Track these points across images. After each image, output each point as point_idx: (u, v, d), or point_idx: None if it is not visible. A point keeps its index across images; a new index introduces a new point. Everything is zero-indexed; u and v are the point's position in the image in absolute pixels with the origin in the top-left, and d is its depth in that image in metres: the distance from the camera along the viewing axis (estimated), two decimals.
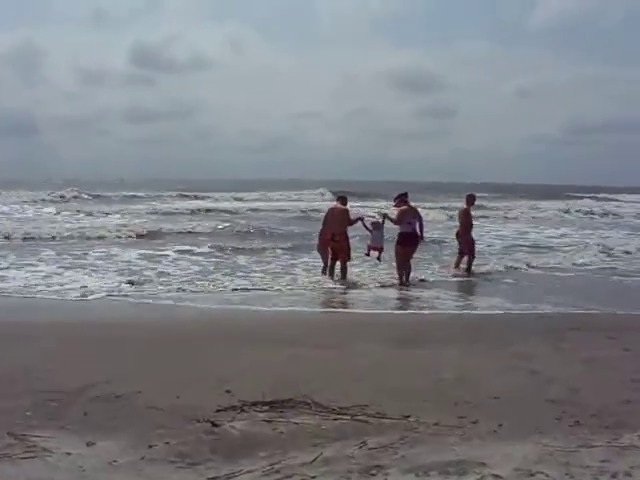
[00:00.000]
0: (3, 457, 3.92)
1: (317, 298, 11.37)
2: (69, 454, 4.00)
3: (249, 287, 11.83)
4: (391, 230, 13.62)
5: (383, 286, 12.39)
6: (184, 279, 12.52)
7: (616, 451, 4.07)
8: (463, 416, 4.80)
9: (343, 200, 13.43)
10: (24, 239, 18.91)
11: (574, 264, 16.13)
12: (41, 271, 13.08)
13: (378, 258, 13.19)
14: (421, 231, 13.17)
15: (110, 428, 4.53)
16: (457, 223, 15.25)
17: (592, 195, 61.20)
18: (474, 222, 15.02)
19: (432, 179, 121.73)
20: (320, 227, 13.71)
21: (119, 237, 20.06)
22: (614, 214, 38.70)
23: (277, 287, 11.84)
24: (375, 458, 3.98)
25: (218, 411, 4.82)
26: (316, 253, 13.65)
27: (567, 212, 38.23)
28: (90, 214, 28.97)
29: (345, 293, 11.74)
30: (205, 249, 17.00)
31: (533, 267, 15.34)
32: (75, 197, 40.04)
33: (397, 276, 12.78)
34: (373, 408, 4.93)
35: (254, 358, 6.54)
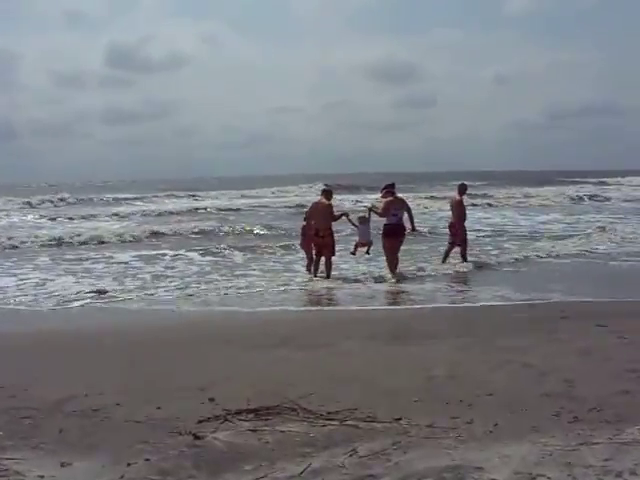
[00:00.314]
0: None
1: (303, 296, 11.14)
2: (42, 477, 3.76)
3: (241, 287, 11.53)
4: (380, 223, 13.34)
5: (371, 281, 12.18)
6: (178, 282, 12.22)
7: (619, 447, 3.89)
8: (457, 416, 4.61)
9: (327, 194, 13.05)
10: (14, 246, 18.24)
11: (588, 251, 15.93)
12: (30, 278, 12.76)
13: (367, 252, 12.97)
14: (412, 222, 12.95)
15: (87, 446, 4.29)
16: (449, 213, 15.04)
17: (584, 180, 61.06)
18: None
19: (412, 169, 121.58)
20: (302, 223, 13.54)
21: (118, 241, 19.47)
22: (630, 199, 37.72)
23: (262, 286, 11.56)
24: (367, 467, 3.77)
25: (200, 422, 4.59)
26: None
27: (580, 199, 37.94)
28: (85, 218, 28.15)
29: (332, 289, 11.51)
30: (200, 250, 16.67)
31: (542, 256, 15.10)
32: (61, 200, 39.04)
33: (388, 270, 12.58)
34: (363, 411, 4.73)
35: (239, 362, 6.32)
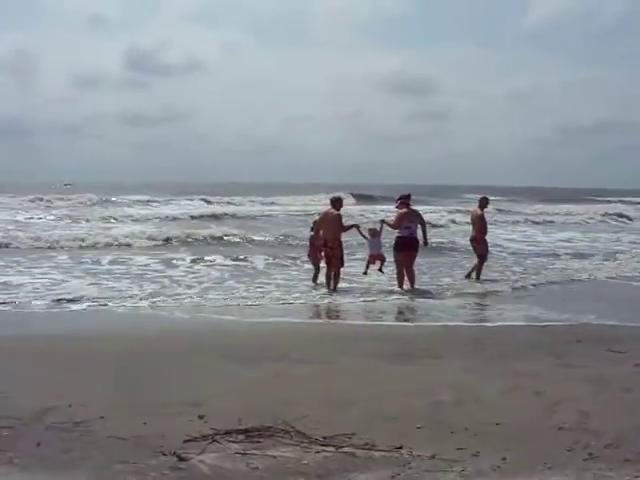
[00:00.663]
0: None
1: (307, 308, 10.83)
2: None
3: (249, 297, 11.25)
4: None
5: (380, 294, 11.82)
6: (192, 289, 11.98)
7: None
8: (462, 447, 4.28)
9: (336, 204, 12.54)
10: (33, 246, 18.04)
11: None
12: (43, 278, 12.66)
13: (380, 269, 12.49)
14: (424, 236, 12.57)
15: (64, 462, 4.00)
16: (469, 227, 14.65)
17: (606, 199, 59.70)
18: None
19: (424, 182, 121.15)
20: (309, 232, 13.23)
21: (139, 244, 19.15)
22: None
23: (273, 297, 11.24)
24: None
25: (187, 441, 4.28)
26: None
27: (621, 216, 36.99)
28: (105, 219, 27.97)
29: (338, 302, 11.18)
30: (220, 256, 16.41)
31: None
32: (82, 202, 38.64)
33: (397, 284, 12.26)
34: (361, 437, 4.41)
35: (232, 376, 6.00)
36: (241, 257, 16.33)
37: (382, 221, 12.80)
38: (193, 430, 4.47)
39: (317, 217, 13.42)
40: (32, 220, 27.45)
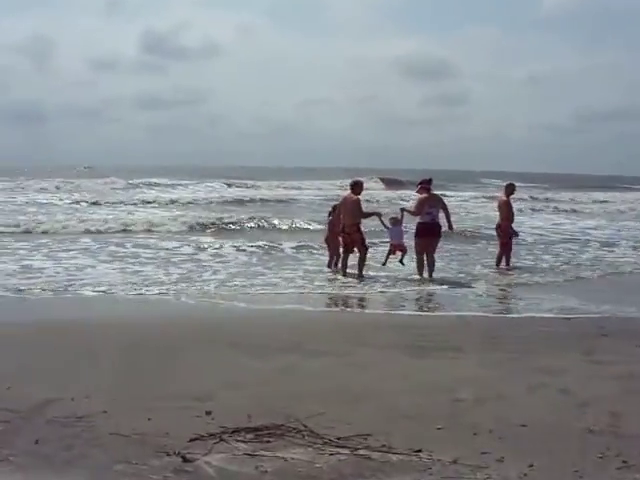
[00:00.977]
0: None
1: (326, 296, 10.57)
2: None
3: (269, 284, 11.07)
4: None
5: (400, 283, 11.54)
6: (218, 276, 11.85)
7: None
8: (486, 451, 3.99)
9: (356, 188, 12.19)
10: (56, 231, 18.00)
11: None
12: (71, 264, 12.67)
13: (401, 261, 12.18)
14: (448, 221, 12.25)
15: (62, 462, 3.77)
16: (494, 214, 14.38)
17: (626, 186, 58.48)
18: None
19: (440, 167, 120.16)
20: (327, 217, 12.97)
21: (167, 229, 19.04)
22: None
23: (289, 285, 11.02)
24: None
25: (193, 440, 4.04)
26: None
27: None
28: (134, 204, 27.57)
29: (356, 290, 10.91)
30: (248, 240, 16.38)
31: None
32: (107, 186, 38.20)
33: (417, 272, 11.97)
34: (378, 438, 4.14)
35: (243, 369, 5.74)
36: (270, 242, 16.15)
37: (402, 209, 12.46)
38: (199, 427, 4.23)
39: (336, 202, 13.28)
40: (60, 204, 27.27)
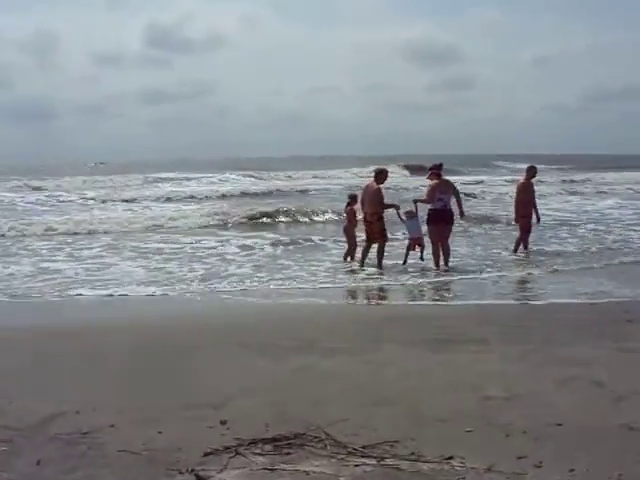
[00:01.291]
0: None
1: (344, 289, 10.31)
2: None
3: (291, 278, 10.87)
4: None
5: (418, 273, 11.28)
6: (242, 269, 11.80)
7: None
8: (522, 456, 3.71)
9: (378, 177, 11.91)
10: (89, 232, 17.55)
11: None
12: (93, 263, 12.65)
13: (421, 258, 11.83)
14: (460, 207, 11.95)
15: None
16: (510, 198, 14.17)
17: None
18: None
19: (448, 151, 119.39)
20: (349, 207, 12.69)
21: (186, 224, 18.59)
22: None
23: (310, 279, 10.76)
24: None
25: (207, 454, 3.77)
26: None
27: None
28: (159, 200, 26.96)
29: (373, 282, 10.64)
30: (276, 233, 16.33)
31: None
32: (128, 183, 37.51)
33: (433, 261, 11.69)
34: (406, 445, 3.86)
35: (257, 371, 5.44)
36: (297, 234, 16.09)
37: (415, 201, 12.12)
38: (214, 440, 3.96)
39: (350, 192, 13.45)
40: (89, 203, 26.50)
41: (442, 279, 10.77)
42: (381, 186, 11.84)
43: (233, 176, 41.53)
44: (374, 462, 3.67)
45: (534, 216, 13.43)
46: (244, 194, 28.65)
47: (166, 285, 10.31)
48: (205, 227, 18.24)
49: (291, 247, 14.51)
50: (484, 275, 10.95)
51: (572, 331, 6.92)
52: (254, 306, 8.95)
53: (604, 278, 10.57)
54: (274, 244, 14.72)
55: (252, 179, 40.65)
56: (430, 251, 11.81)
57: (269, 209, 20.93)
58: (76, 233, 17.04)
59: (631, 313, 7.65)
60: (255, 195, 28.68)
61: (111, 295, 9.59)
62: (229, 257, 13.31)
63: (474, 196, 26.46)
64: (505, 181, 34.87)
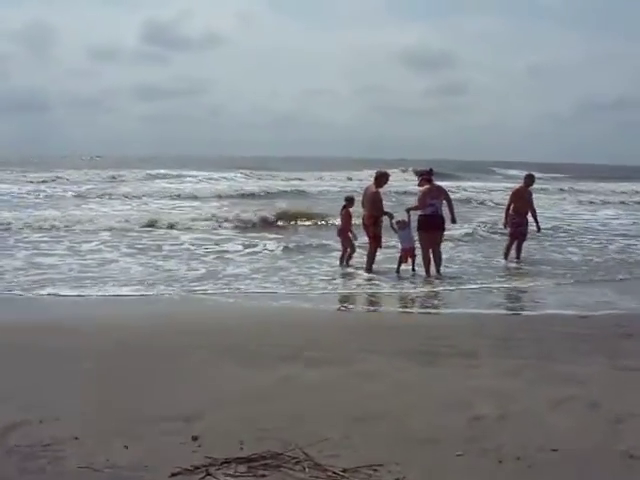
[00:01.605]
0: None
1: (333, 293, 10.02)
2: None
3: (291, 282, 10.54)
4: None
5: (408, 280, 11.02)
6: (238, 270, 11.54)
7: None
8: None
9: (377, 180, 11.67)
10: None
11: None
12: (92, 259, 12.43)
13: (412, 269, 11.48)
14: (451, 212, 11.65)
15: None
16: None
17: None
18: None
19: (442, 157, 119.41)
20: (341, 210, 12.44)
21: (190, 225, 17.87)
22: None
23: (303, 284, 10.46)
24: None
25: (174, 475, 3.47)
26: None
27: None
28: (162, 196, 26.38)
29: (365, 288, 10.37)
30: (278, 235, 16.08)
31: None
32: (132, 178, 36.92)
33: (424, 269, 11.40)
34: (390, 469, 3.58)
35: (236, 381, 5.13)
36: (300, 236, 16.00)
37: (407, 210, 11.81)
38: (184, 457, 3.66)
39: (347, 194, 13.22)
40: (88, 198, 25.69)
41: (434, 287, 10.49)
42: (380, 190, 11.62)
43: (232, 175, 41.33)
44: None
45: (534, 225, 13.26)
46: (244, 195, 28.00)
47: (156, 284, 10.03)
48: (206, 226, 17.74)
49: (292, 248, 14.19)
50: (478, 284, 10.67)
51: (566, 346, 6.64)
52: (241, 309, 8.68)
53: (604, 289, 10.40)
54: (276, 246, 14.38)
55: (252, 179, 40.42)
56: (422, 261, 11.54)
57: (273, 210, 20.49)
58: (73, 228, 16.60)
59: (629, 327, 7.41)
60: (258, 196, 27.97)
61: (85, 295, 9.25)
62: (228, 256, 13.11)
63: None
64: (506, 188, 34.55)
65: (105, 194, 26.82)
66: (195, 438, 3.95)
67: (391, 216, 11.72)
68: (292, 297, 9.44)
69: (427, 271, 11.30)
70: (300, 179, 40.95)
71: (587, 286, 10.79)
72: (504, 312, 8.99)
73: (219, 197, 26.73)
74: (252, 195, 28.23)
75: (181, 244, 14.51)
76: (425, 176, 11.77)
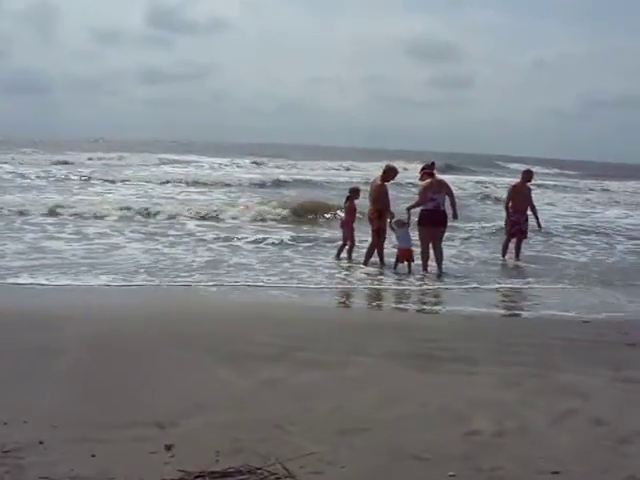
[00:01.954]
0: None
1: (330, 288, 9.72)
2: None
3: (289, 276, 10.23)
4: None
5: (406, 277, 10.71)
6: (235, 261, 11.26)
7: None
8: None
9: (384, 174, 11.45)
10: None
11: None
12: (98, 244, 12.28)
13: (409, 270, 11.05)
14: (453, 207, 11.27)
15: None
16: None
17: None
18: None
19: (444, 149, 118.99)
20: (345, 202, 12.17)
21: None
22: None
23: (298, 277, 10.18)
24: None
25: None
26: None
27: None
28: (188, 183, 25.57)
29: (358, 284, 10.07)
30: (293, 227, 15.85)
31: None
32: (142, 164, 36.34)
33: (422, 265, 11.11)
34: None
35: (217, 384, 4.82)
36: (312, 227, 15.78)
37: (408, 209, 11.43)
38: (154, 469, 3.38)
39: (352, 185, 13.11)
40: (93, 182, 24.98)
41: (431, 285, 10.20)
42: (386, 184, 11.40)
43: (239, 161, 41.04)
44: None
45: (534, 222, 12.97)
46: (253, 183, 27.18)
47: (149, 274, 9.76)
48: (217, 214, 17.30)
49: (301, 239, 13.89)
50: (480, 282, 10.39)
51: (569, 353, 6.30)
52: (231, 304, 8.39)
53: (608, 291, 10.17)
54: (285, 236, 14.06)
55: (260, 167, 40.01)
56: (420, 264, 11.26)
57: (287, 202, 19.60)
58: (80, 214, 16.15)
59: (631, 335, 7.11)
60: (268, 185, 27.01)
61: (64, 285, 8.94)
62: (235, 245, 13.01)
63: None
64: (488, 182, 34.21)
65: (114, 179, 26.11)
66: (168, 447, 3.66)
67: (392, 215, 11.44)
68: (287, 291, 9.19)
69: (425, 267, 11.00)
70: (311, 168, 40.62)
71: (591, 288, 10.51)
72: (503, 313, 8.76)
73: (235, 185, 26.01)
74: (262, 184, 27.10)
75: (188, 232, 14.26)
76: (427, 170, 11.46)
